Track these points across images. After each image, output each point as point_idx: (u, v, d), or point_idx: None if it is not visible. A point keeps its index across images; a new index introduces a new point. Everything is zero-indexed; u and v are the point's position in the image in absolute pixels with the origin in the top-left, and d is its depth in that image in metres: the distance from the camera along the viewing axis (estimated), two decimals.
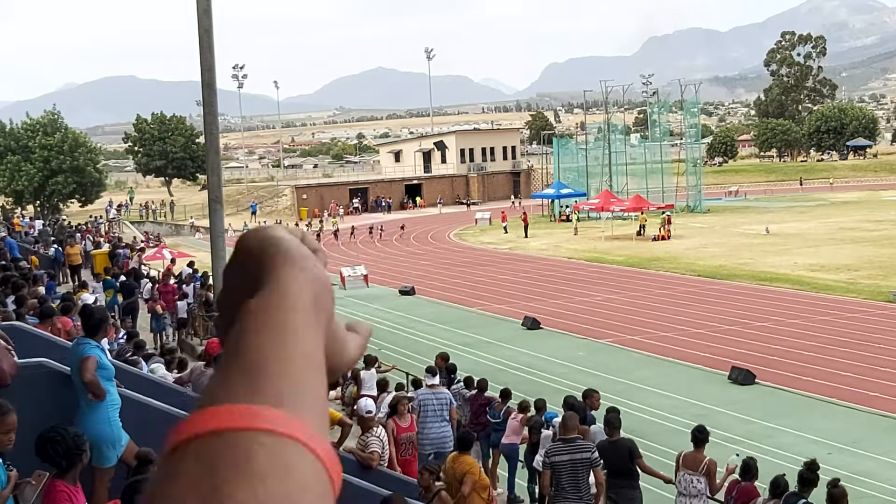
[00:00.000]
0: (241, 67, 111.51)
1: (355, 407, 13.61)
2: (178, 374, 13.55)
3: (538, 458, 13.07)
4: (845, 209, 73.93)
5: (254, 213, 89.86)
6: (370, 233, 67.47)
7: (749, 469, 10.50)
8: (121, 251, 37.01)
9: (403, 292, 41.24)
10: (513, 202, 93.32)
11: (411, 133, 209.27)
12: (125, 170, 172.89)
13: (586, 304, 36.47)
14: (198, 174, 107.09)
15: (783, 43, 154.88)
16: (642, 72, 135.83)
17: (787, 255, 47.44)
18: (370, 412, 11.02)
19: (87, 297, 22.25)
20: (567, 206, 76.15)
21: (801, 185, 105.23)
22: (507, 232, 66.40)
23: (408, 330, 32.69)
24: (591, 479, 11.20)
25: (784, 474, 10.17)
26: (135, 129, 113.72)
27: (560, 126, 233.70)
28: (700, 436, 11.24)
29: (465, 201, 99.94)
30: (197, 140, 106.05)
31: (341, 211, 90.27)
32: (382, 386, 16.15)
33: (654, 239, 57.69)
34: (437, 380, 15.02)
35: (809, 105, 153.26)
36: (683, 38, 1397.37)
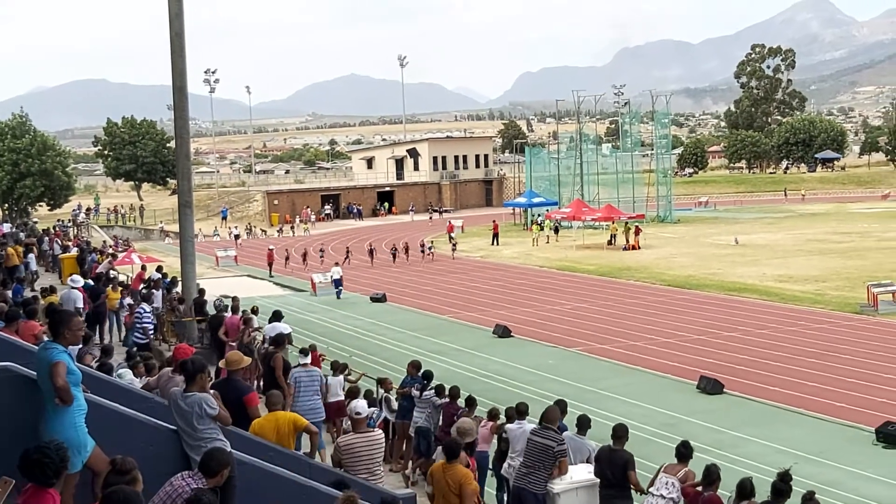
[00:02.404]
0: (213, 72, 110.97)
1: (347, 409, 13.79)
2: (146, 380, 13.45)
3: (507, 463, 13.10)
4: (813, 221, 74.58)
5: (224, 218, 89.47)
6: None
7: (711, 475, 10.51)
8: (89, 256, 36.66)
9: (374, 299, 41.18)
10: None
11: (384, 140, 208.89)
12: (95, 173, 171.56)
13: (557, 312, 36.55)
14: (168, 179, 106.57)
15: (753, 55, 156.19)
16: (614, 82, 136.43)
17: (755, 266, 47.77)
18: (360, 413, 10.94)
19: (75, 294, 22.09)
20: (539, 215, 76.38)
21: (785, 195, 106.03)
22: (496, 243, 65.34)
23: (378, 337, 32.64)
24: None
25: (750, 477, 10.20)
26: (105, 132, 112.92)
27: (532, 135, 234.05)
28: (684, 451, 11.28)
29: (437, 209, 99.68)
30: (168, 144, 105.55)
31: (313, 217, 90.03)
32: (353, 393, 16.09)
33: (625, 248, 57.99)
34: (308, 359, 16.43)
35: (779, 117, 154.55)
36: (655, 49, 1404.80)
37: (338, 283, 44.18)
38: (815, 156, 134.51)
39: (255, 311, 23.51)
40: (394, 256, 56.14)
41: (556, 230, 66.07)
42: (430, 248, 58.07)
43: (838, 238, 60.13)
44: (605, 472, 11.41)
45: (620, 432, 11.63)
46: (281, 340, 17.12)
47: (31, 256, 33.06)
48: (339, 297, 42.89)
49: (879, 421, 19.69)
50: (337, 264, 47.55)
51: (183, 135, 24.00)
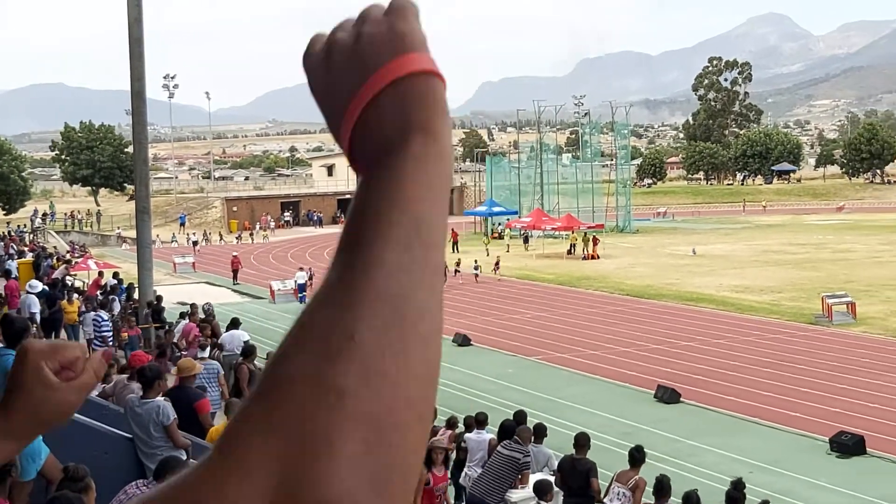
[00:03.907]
0: (173, 77, 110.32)
1: None
2: (102, 387, 13.32)
3: (465, 473, 13.11)
4: (770, 232, 75.38)
5: (182, 224, 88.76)
6: None
7: (662, 488, 10.58)
8: (45, 261, 36.26)
9: None
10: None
11: None
12: (52, 178, 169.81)
13: (517, 321, 36.63)
14: (126, 184, 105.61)
15: (711, 68, 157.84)
16: (575, 92, 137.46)
17: (712, 276, 48.19)
18: None
19: (31, 300, 21.79)
20: (499, 224, 76.58)
21: (743, 207, 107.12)
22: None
23: None
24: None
25: (696, 489, 10.28)
26: (62, 137, 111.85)
27: (493, 144, 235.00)
28: (637, 455, 11.37)
29: None
30: (125, 150, 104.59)
31: (272, 224, 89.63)
32: None
33: (584, 258, 58.23)
34: (207, 353, 17.32)
35: (736, 129, 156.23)
36: (616, 60, 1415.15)
37: (303, 287, 44.02)
38: (772, 168, 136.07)
39: (210, 314, 23.38)
40: None
41: (526, 240, 65.88)
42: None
43: (794, 249, 60.82)
44: (567, 481, 11.46)
45: (582, 441, 11.70)
46: (249, 352, 17.08)
47: None
48: (302, 303, 42.86)
49: (833, 431, 19.93)
50: (302, 269, 47.27)
51: (141, 140, 23.82)
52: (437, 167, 0.79)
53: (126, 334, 22.84)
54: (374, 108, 0.82)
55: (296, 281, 44.50)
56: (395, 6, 0.85)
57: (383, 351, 0.71)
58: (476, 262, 49.74)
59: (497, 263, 50.25)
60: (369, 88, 0.82)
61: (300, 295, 43.82)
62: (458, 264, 48.62)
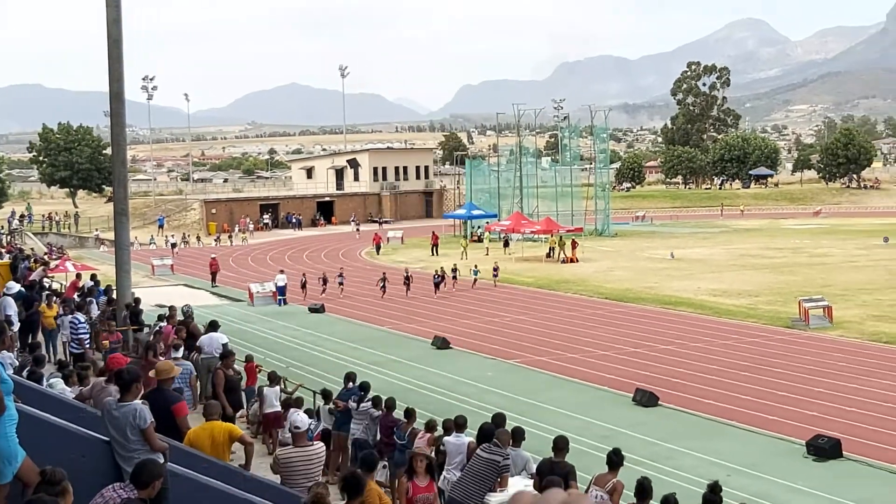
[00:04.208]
0: (152, 79, 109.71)
1: (284, 420, 13.71)
2: (79, 389, 13.25)
3: (444, 476, 13.10)
4: (747, 236, 75.76)
5: (161, 226, 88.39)
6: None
7: (644, 490, 10.61)
8: (22, 263, 35.98)
9: (313, 310, 40.98)
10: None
11: (324, 150, 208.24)
12: (30, 180, 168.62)
13: (496, 324, 36.68)
14: (104, 186, 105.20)
15: (689, 73, 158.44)
16: (554, 96, 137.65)
17: (690, 280, 48.40)
18: (299, 428, 10.80)
19: (7, 301, 21.59)
20: (479, 227, 76.66)
21: (721, 211, 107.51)
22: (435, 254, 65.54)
23: (317, 348, 32.48)
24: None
25: (674, 493, 10.31)
26: (40, 138, 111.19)
27: (473, 147, 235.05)
28: (615, 458, 11.39)
29: (377, 219, 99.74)
30: (104, 151, 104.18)
31: (251, 226, 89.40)
32: (288, 404, 16.01)
33: (563, 261, 58.36)
34: (181, 353, 17.16)
35: (714, 134, 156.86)
36: (595, 64, 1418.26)
37: (282, 290, 44.04)
38: (750, 172, 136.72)
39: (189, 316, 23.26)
40: (322, 283, 45.39)
41: (507, 244, 65.74)
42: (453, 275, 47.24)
43: (771, 253, 61.16)
44: (546, 485, 11.49)
45: (561, 444, 11.71)
46: (226, 355, 17.05)
47: None
48: (281, 305, 42.96)
49: (810, 434, 20.05)
50: (282, 272, 47.22)
51: (119, 142, 23.67)
52: None
53: (107, 342, 22.68)
54: None
55: (276, 283, 44.45)
56: None
57: None
58: (476, 266, 49.24)
59: (496, 269, 48.81)
60: None
61: (279, 298, 43.80)
62: (455, 269, 47.64)
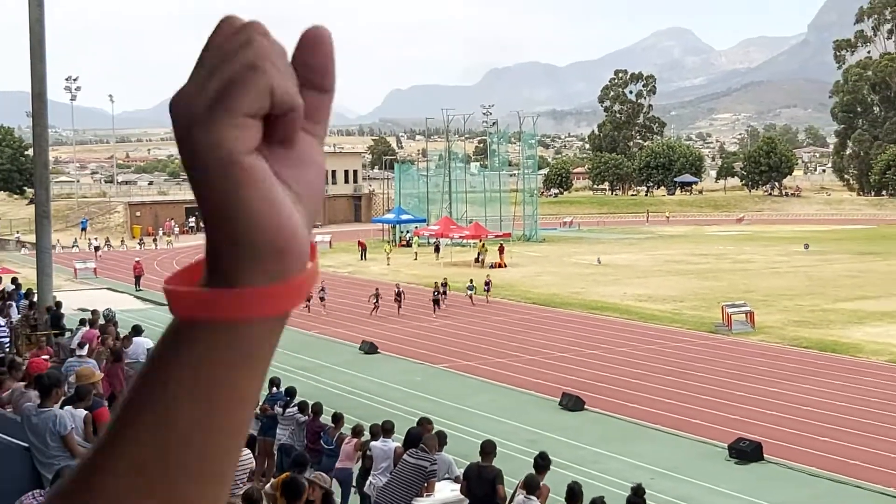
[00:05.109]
0: (75, 79, 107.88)
1: None
2: None
3: (370, 481, 13.08)
4: (672, 242, 76.84)
5: (84, 229, 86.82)
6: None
7: (574, 495, 10.70)
8: None
9: None
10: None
11: None
12: None
13: (424, 329, 36.68)
14: (25, 187, 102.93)
15: (616, 80, 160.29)
16: (483, 102, 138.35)
17: (617, 286, 48.93)
18: None
19: None
20: (408, 232, 76.60)
21: (647, 218, 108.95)
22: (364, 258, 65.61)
23: None
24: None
25: (602, 496, 10.41)
26: None
27: (402, 152, 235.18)
28: (542, 462, 11.46)
29: None
30: (25, 152, 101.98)
31: (176, 229, 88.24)
32: None
33: (492, 266, 58.53)
34: (84, 351, 17.65)
35: (640, 141, 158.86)
36: (524, 70, 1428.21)
37: None
38: (675, 179, 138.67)
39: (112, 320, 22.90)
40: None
41: (437, 249, 65.57)
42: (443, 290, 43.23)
43: (695, 259, 62.13)
44: (473, 489, 11.50)
45: (489, 448, 11.75)
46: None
47: None
48: None
49: (732, 437, 20.39)
50: None
51: (42, 143, 23.23)
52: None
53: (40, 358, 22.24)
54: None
55: None
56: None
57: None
58: (471, 281, 44.04)
59: (488, 283, 44.18)
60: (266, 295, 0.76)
61: None
62: (444, 284, 42.61)
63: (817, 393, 25.28)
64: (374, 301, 39.78)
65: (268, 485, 10.22)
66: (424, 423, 14.02)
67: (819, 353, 31.14)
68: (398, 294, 40.17)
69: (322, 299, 39.58)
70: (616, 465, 19.12)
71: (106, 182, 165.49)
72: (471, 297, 43.16)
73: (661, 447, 20.76)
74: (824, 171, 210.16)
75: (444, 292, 42.03)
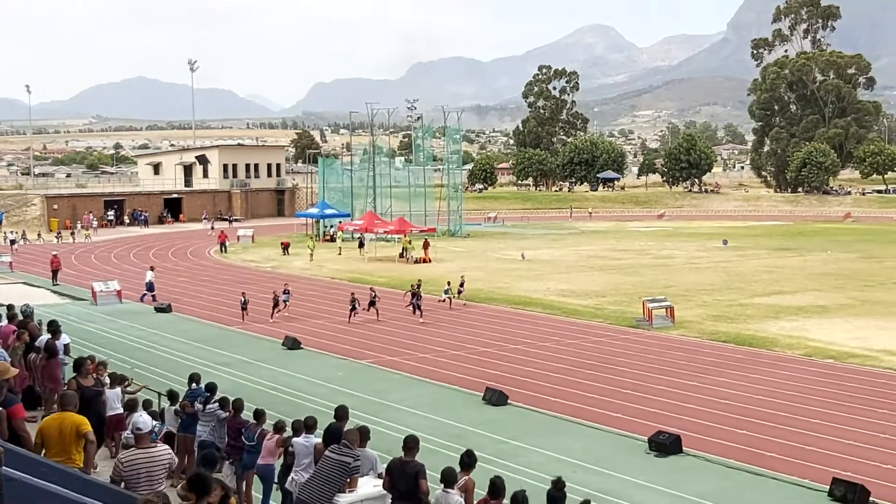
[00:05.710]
0: None
1: (127, 423, 13.16)
2: None
3: (292, 478, 12.98)
4: (595, 238, 77.72)
5: (0, 222, 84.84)
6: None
7: (497, 489, 10.72)
8: None
9: (159, 309, 39.99)
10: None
11: (172, 145, 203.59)
12: None
13: (347, 324, 36.51)
14: None
15: (540, 76, 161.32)
16: (408, 96, 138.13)
17: (540, 281, 49.31)
18: (141, 429, 10.46)
19: None
20: (331, 226, 76.26)
21: (570, 213, 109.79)
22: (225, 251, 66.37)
23: (162, 348, 31.69)
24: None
25: (524, 490, 10.45)
26: None
27: (326, 146, 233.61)
28: (467, 460, 11.46)
29: (227, 217, 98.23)
30: None
31: (95, 223, 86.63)
32: (131, 406, 15.52)
33: (416, 262, 58.60)
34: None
35: (563, 137, 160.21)
36: (448, 65, 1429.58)
37: (150, 286, 43.17)
38: (597, 175, 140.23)
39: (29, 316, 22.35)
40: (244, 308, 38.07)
41: (362, 244, 65.20)
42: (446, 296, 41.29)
43: (617, 255, 62.90)
44: (396, 484, 11.46)
45: (411, 443, 11.71)
46: (79, 364, 16.39)
47: None
48: (153, 301, 42.03)
49: (652, 430, 20.67)
50: (152, 269, 46.11)
51: None
52: None
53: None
54: None
55: (148, 279, 43.81)
56: None
57: None
58: (448, 283, 41.68)
59: (462, 285, 42.24)
60: None
61: (151, 294, 42.93)
62: (418, 286, 38.98)
63: (735, 386, 25.76)
64: (352, 307, 37.27)
65: (180, 484, 10.05)
66: (342, 411, 13.93)
67: (736, 347, 31.75)
68: (373, 299, 37.71)
69: (286, 303, 38.39)
70: (538, 459, 19.25)
71: (22, 174, 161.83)
72: (448, 300, 41.03)
73: (582, 440, 20.96)
74: (743, 167, 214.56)
75: (419, 294, 38.70)
